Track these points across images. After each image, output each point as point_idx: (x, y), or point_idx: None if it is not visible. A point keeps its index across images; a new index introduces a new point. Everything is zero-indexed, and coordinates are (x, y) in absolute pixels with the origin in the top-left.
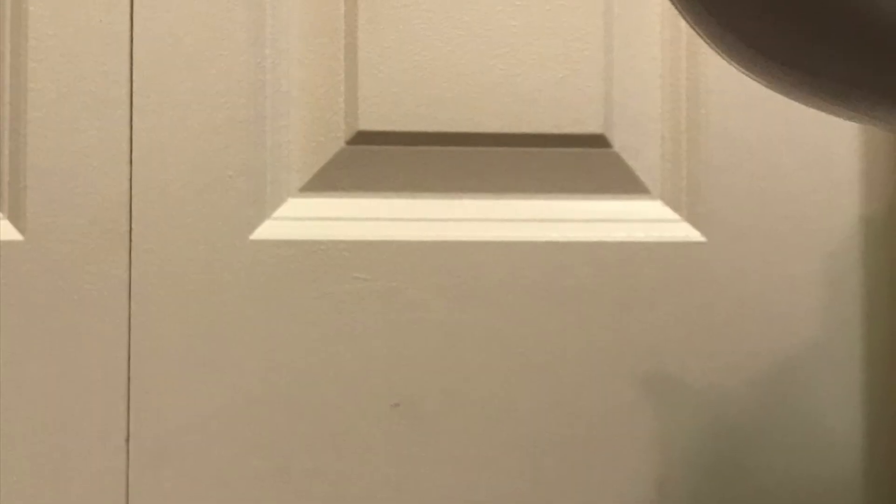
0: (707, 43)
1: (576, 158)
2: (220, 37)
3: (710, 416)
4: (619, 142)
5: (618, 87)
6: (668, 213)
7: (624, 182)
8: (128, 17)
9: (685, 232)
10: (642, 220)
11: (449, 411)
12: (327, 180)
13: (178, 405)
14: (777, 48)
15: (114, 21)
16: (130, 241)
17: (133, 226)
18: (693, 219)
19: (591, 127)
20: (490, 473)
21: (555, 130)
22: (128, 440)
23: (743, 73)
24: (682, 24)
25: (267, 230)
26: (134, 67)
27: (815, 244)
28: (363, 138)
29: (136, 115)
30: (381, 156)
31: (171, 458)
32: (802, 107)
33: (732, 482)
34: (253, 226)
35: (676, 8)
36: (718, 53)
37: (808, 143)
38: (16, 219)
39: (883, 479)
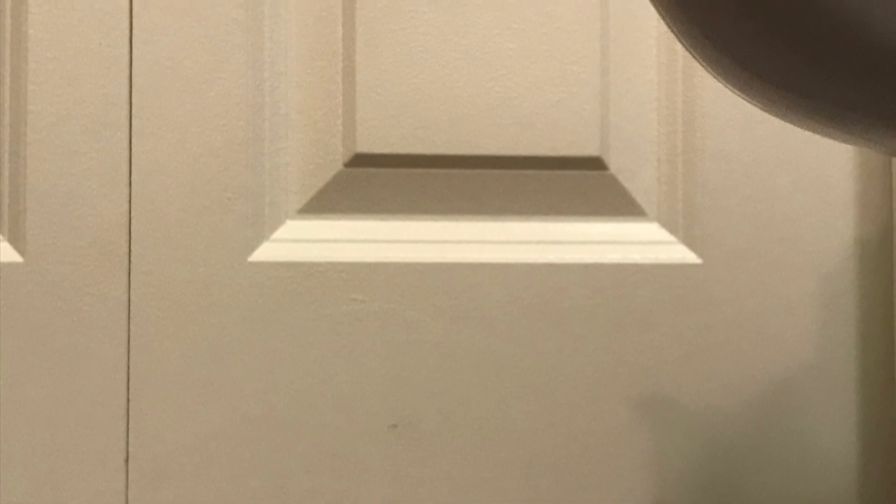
0: (703, 66)
1: (572, 181)
2: (218, 60)
3: (706, 437)
4: (615, 164)
5: (614, 110)
6: (664, 235)
7: (620, 204)
8: (127, 40)
9: (681, 254)
10: (638, 241)
11: (446, 432)
12: (325, 202)
13: (177, 426)
14: (772, 71)
15: (113, 44)
16: (130, 262)
17: (132, 247)
18: (689, 241)
19: (588, 149)
20: (486, 493)
21: (551, 153)
22: (127, 461)
23: (738, 95)
24: (678, 47)
25: (265, 252)
26: (133, 90)
27: (811, 266)
28: (361, 161)
29: (135, 137)
30: (378, 178)
31: (170, 478)
32: (797, 129)
33: (728, 502)
34: (251, 247)
35: (673, 31)
36: (714, 76)
37: (803, 166)
38: (16, 240)
39: (878, 499)
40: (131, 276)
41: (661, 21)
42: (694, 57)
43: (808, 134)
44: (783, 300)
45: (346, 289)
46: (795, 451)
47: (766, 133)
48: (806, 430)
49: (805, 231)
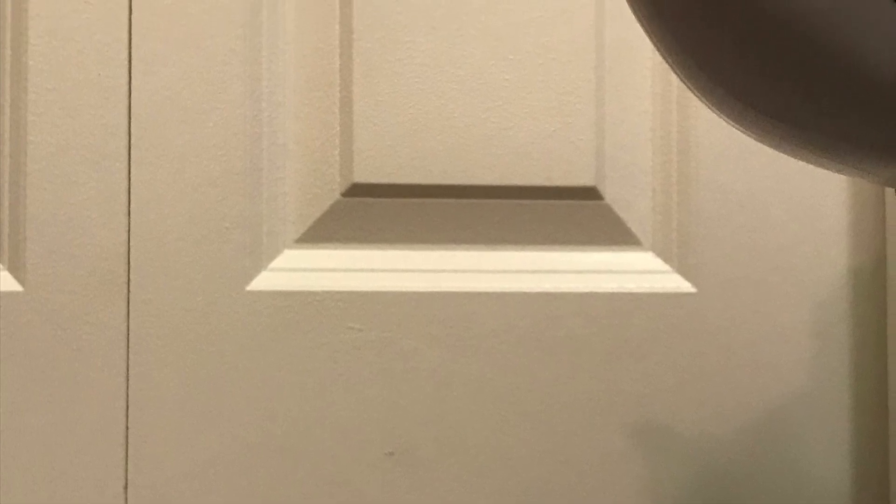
0: (697, 96)
1: (567, 210)
2: (216, 90)
3: (700, 465)
4: (610, 194)
5: (609, 140)
6: (658, 264)
7: (615, 234)
8: (126, 70)
9: (675, 283)
10: (633, 271)
11: (442, 459)
12: (323, 232)
13: (176, 454)
14: (766, 102)
15: (112, 75)
16: (129, 291)
17: (131, 276)
18: (683, 270)
19: (583, 179)
20: None
21: (547, 183)
22: (126, 488)
23: (733, 125)
24: (673, 78)
25: (263, 281)
26: (132, 120)
27: (804, 294)
28: (358, 190)
29: (134, 167)
30: (376, 208)
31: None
32: (791, 160)
33: None
34: (250, 276)
35: (668, 62)
36: (709, 107)
37: (797, 196)
38: (15, 270)
39: None
40: (130, 304)
41: (656, 52)
42: (689, 87)
43: (801, 164)
44: (777, 329)
45: (343, 318)
46: (789, 479)
47: (760, 163)
48: (799, 458)
49: (798, 260)
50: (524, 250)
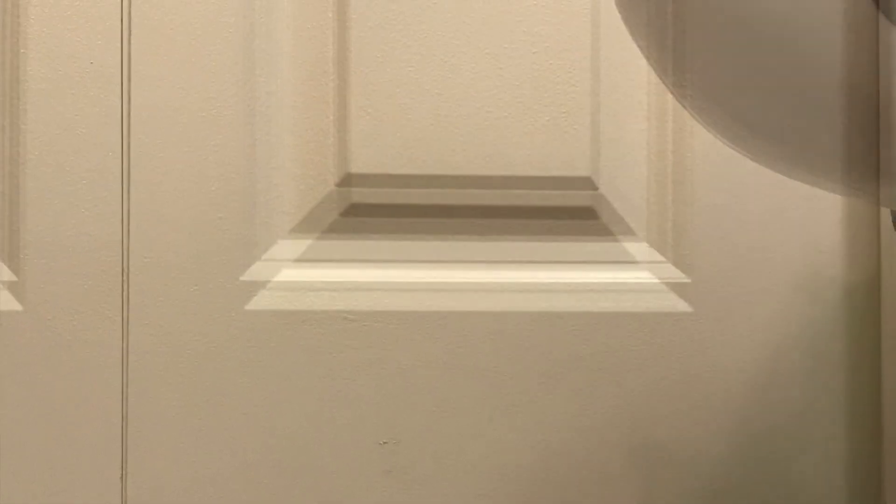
0: (694, 117)
1: (562, 201)
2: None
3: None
4: (605, 185)
5: (604, 131)
6: (653, 254)
7: (610, 224)
8: (119, 66)
9: (670, 273)
10: (628, 261)
11: (440, 477)
12: (317, 222)
13: (174, 470)
14: (763, 124)
15: (105, 64)
16: (126, 310)
17: (129, 296)
18: (678, 261)
19: (578, 170)
20: None
21: (541, 173)
22: (123, 479)
23: (728, 146)
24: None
25: (257, 271)
26: (130, 142)
27: (799, 312)
28: (353, 181)
29: (132, 187)
30: (370, 198)
31: (166, 496)
32: (787, 181)
33: None
34: (244, 267)
35: (665, 84)
36: (705, 127)
37: (793, 215)
38: (15, 289)
39: None
40: (126, 294)
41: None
42: (684, 107)
43: (796, 185)
44: (772, 347)
45: (342, 336)
46: (784, 497)
47: (757, 185)
48: (794, 479)
49: (793, 279)
50: (519, 241)
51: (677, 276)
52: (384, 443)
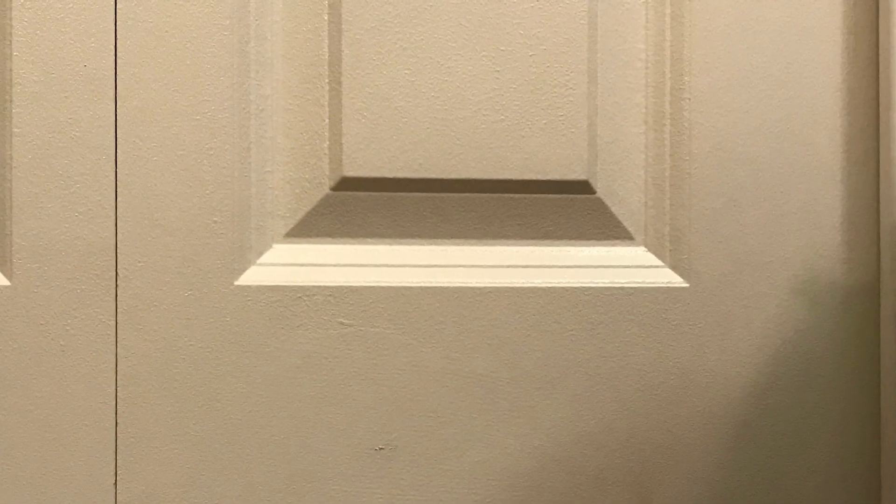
0: None
1: (559, 204)
2: (203, 81)
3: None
4: (602, 188)
5: (601, 134)
6: (651, 259)
7: (607, 228)
8: (112, 60)
9: (668, 278)
10: (625, 265)
11: (433, 455)
12: (312, 226)
13: (168, 476)
14: None
15: (99, 66)
16: (116, 286)
17: (119, 271)
18: (676, 265)
19: (575, 173)
20: None
21: (538, 176)
22: (116, 484)
23: None
24: (667, 70)
25: (252, 275)
26: (119, 112)
27: (798, 317)
28: (348, 184)
29: (120, 161)
30: (365, 202)
31: (159, 501)
32: (786, 184)
33: None
34: (239, 271)
35: None
36: None
37: (792, 220)
38: (3, 263)
39: None
40: (118, 299)
41: (650, 44)
42: None
43: (796, 189)
44: (771, 353)
45: (334, 313)
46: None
47: (757, 159)
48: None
49: (792, 282)
50: (515, 245)
51: (675, 280)
52: (380, 448)
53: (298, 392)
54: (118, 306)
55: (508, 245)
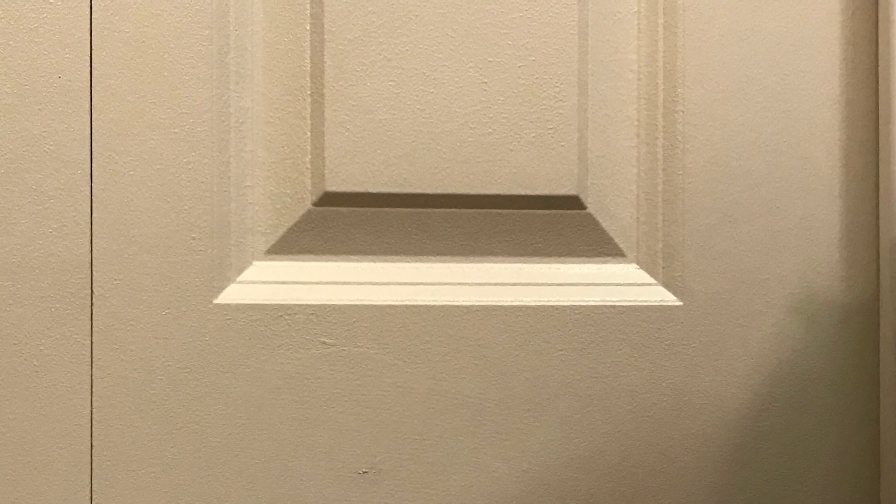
0: None
1: (549, 220)
2: (181, 93)
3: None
4: (593, 204)
5: (592, 148)
6: (643, 276)
7: (598, 245)
8: (87, 72)
9: (661, 296)
10: (617, 283)
11: (418, 478)
12: (294, 243)
13: (142, 471)
14: None
15: (73, 78)
16: (92, 304)
17: (94, 289)
18: (669, 283)
19: (565, 188)
20: None
21: (527, 191)
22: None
23: None
24: (660, 82)
25: (232, 294)
26: (94, 126)
27: (795, 336)
28: (331, 199)
29: (96, 175)
30: (349, 217)
31: None
32: (783, 199)
33: None
34: (218, 289)
35: None
36: None
37: (788, 236)
38: None
39: None
40: (94, 318)
41: (641, 56)
42: None
43: (792, 204)
44: (767, 374)
45: (315, 332)
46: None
47: (752, 174)
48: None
49: (790, 300)
50: (504, 262)
51: (668, 298)
52: (364, 472)
53: (280, 414)
54: (94, 325)
55: (496, 262)
